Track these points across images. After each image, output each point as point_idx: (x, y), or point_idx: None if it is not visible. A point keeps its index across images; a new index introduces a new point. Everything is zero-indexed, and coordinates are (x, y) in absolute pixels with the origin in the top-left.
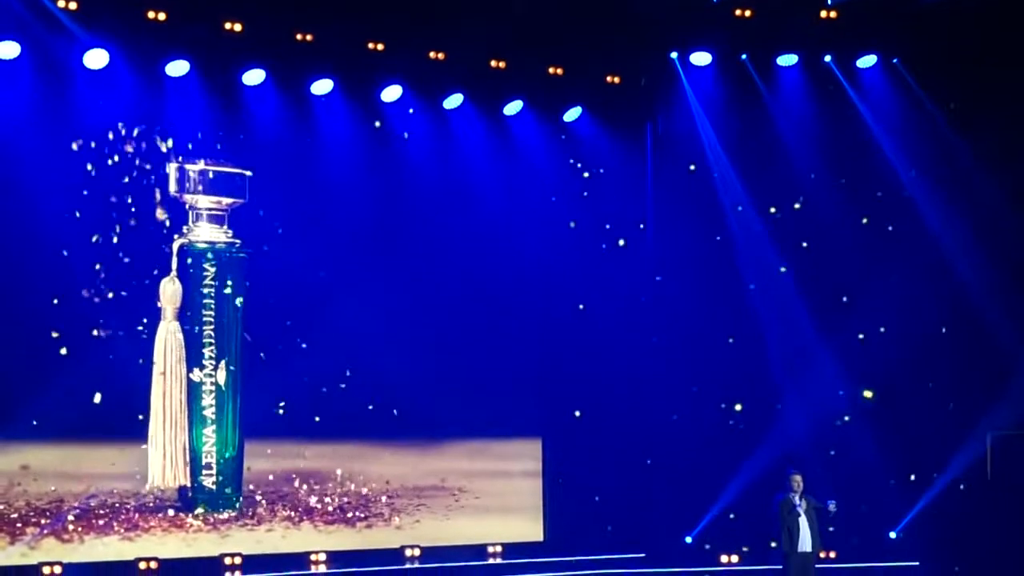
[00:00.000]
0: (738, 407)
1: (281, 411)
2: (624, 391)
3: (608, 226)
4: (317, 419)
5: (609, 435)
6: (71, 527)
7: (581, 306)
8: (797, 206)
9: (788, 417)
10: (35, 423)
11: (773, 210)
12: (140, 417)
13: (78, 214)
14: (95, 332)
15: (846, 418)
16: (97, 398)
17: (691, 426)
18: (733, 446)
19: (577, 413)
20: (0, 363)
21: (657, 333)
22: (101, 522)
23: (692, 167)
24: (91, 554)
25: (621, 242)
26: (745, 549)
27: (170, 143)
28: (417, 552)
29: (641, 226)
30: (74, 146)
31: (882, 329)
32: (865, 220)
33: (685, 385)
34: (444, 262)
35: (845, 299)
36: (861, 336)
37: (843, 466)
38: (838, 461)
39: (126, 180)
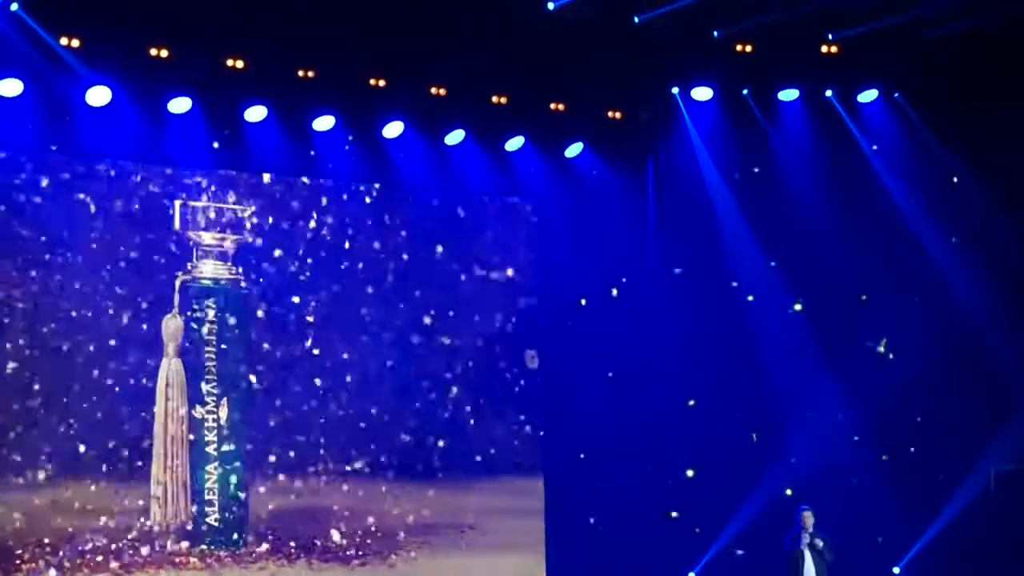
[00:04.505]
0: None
1: (284, 448)
2: (627, 428)
3: (610, 262)
4: (321, 455)
5: (611, 474)
6: (67, 564)
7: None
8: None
9: (792, 452)
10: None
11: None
12: (146, 453)
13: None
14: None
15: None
16: (113, 435)
17: (695, 462)
18: (737, 481)
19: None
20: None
21: (661, 370)
22: (98, 560)
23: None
24: None
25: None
26: None
27: (173, 180)
28: None
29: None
30: (76, 185)
31: (885, 353)
32: (867, 255)
33: (689, 422)
34: (446, 298)
35: (848, 333)
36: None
37: (846, 501)
38: (841, 496)
39: (128, 217)
